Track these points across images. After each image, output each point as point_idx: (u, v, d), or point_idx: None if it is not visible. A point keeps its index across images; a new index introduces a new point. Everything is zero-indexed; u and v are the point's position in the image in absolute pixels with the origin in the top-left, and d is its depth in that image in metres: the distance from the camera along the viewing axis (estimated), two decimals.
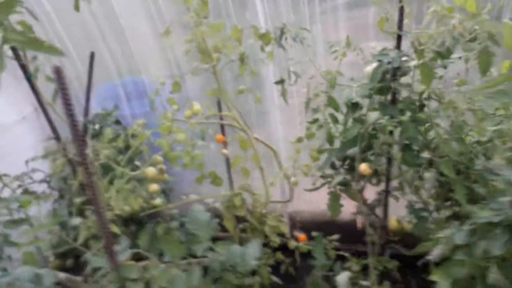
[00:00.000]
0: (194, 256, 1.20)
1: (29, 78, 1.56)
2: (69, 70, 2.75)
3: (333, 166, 2.10)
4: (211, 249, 1.21)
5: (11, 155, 2.67)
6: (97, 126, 2.15)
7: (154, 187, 1.65)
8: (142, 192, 1.70)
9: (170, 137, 1.61)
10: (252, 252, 1.23)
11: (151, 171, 1.59)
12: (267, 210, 1.95)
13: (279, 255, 2.28)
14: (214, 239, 2.74)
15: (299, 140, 2.29)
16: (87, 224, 1.67)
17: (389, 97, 1.82)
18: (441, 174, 1.59)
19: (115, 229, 1.74)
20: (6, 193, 2.32)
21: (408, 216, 2.00)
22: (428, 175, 1.65)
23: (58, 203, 2.31)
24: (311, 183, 2.28)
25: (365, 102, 1.95)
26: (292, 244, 2.17)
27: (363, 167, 1.79)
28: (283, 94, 2.14)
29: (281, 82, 2.12)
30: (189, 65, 2.55)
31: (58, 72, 0.91)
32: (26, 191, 2.43)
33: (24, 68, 1.55)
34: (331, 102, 2.05)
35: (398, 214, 2.19)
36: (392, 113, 1.75)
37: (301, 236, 2.00)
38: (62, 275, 1.62)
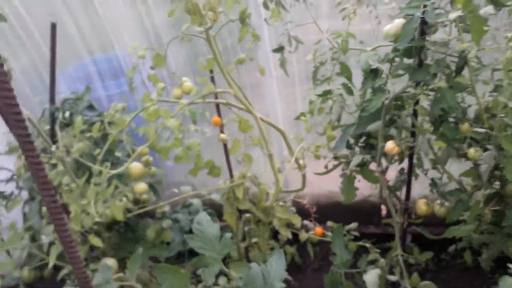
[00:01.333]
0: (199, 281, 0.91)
1: None
2: (31, 50, 2.36)
3: (348, 145, 1.81)
4: (223, 273, 0.91)
5: None
6: (67, 114, 1.80)
7: (141, 186, 1.33)
8: (127, 194, 1.38)
9: (157, 123, 1.28)
10: (277, 271, 0.94)
11: (136, 167, 1.27)
12: (277, 201, 1.66)
13: (289, 249, 2.01)
14: None
15: (302, 115, 1.99)
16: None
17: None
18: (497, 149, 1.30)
19: (95, 241, 1.43)
20: None
21: (441, 198, 1.73)
22: (473, 151, 1.36)
23: (29, 205, 1.97)
24: (316, 165, 2.00)
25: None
26: (303, 236, 1.89)
27: (391, 145, 1.50)
28: (283, 63, 1.82)
29: (280, 49, 1.79)
30: (171, 35, 2.21)
31: None
32: None
33: None
34: (344, 70, 1.74)
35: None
36: (423, 79, 1.44)
37: (318, 229, 1.72)
38: None
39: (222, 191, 1.83)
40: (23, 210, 2.10)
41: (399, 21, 1.55)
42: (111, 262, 1.61)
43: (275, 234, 2.01)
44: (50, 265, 1.37)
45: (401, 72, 1.59)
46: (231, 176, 1.81)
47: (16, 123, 0.64)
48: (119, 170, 1.23)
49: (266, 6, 1.33)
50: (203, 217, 0.94)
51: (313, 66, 1.84)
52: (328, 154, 1.91)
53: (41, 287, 2.38)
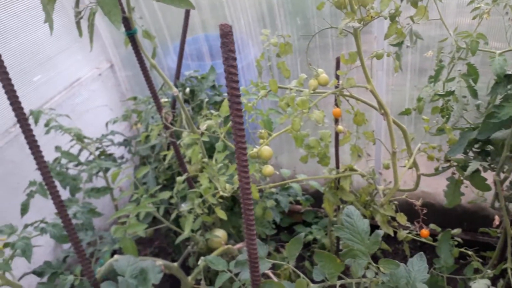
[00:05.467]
0: (344, 274, 0.95)
1: (132, 35, 1.30)
2: (146, 21, 2.49)
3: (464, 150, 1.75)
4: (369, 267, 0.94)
5: (87, 114, 2.51)
6: (187, 90, 1.89)
7: (269, 169, 1.39)
8: (255, 175, 1.45)
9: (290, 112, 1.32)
10: (418, 272, 0.96)
11: (267, 150, 1.32)
12: (392, 199, 1.66)
13: (383, 245, 2.01)
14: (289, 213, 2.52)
15: (408, 112, 1.95)
16: (196, 210, 1.45)
17: None
18: None
19: (221, 213, 1.52)
20: (83, 155, 2.16)
21: None
22: None
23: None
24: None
25: None
26: (401, 234, 1.88)
27: None
28: (398, 57, 1.79)
29: (399, 43, 1.76)
30: (286, 20, 2.23)
31: (226, 33, 0.63)
32: (103, 154, 2.27)
33: (127, 22, 1.29)
34: (472, 71, 1.68)
35: None
36: None
37: (425, 231, 1.71)
38: (159, 262, 1.43)
39: (325, 180, 1.86)
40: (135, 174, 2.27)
41: None
42: (221, 233, 1.71)
43: None
44: (186, 232, 1.48)
45: None
46: (337, 166, 1.84)
47: (236, 112, 0.70)
48: (254, 151, 1.30)
49: (414, 4, 1.31)
50: (353, 210, 0.98)
51: (435, 64, 1.79)
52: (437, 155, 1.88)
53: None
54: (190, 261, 1.72)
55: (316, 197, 2.34)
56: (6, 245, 1.35)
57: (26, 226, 1.52)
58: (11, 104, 1.07)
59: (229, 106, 0.71)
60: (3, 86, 1.05)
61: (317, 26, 2.19)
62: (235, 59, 0.67)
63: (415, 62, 2.26)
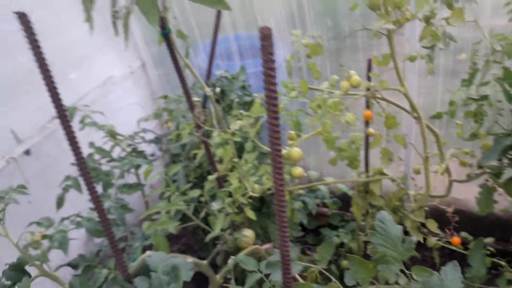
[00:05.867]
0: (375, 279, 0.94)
1: (167, 34, 1.33)
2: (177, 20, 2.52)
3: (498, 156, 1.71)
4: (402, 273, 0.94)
5: (119, 112, 2.57)
6: (217, 90, 1.91)
7: (298, 170, 1.40)
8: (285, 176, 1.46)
9: (322, 115, 1.32)
10: (452, 282, 0.94)
11: (297, 152, 1.32)
12: (423, 205, 1.64)
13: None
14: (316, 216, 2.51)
15: (439, 115, 1.92)
16: (227, 209, 1.47)
17: None
18: None
19: (250, 213, 1.54)
20: (115, 152, 2.21)
21: None
22: None
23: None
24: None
25: None
26: (431, 241, 1.85)
27: None
28: (431, 59, 1.76)
29: (432, 46, 1.73)
30: (317, 23, 2.23)
31: (266, 36, 0.64)
32: (135, 151, 2.32)
33: (162, 21, 1.32)
34: (508, 75, 1.64)
35: None
36: None
37: (456, 239, 1.68)
38: (190, 259, 1.45)
39: (353, 183, 1.85)
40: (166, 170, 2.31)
41: None
42: (249, 233, 1.73)
43: None
44: (216, 230, 1.51)
45: None
46: (367, 170, 1.82)
47: (273, 114, 0.71)
48: (284, 152, 1.30)
49: (449, 6, 1.29)
50: (386, 216, 0.97)
51: (469, 67, 1.76)
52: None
53: None
54: (218, 260, 1.74)
55: (343, 200, 2.32)
56: (44, 237, 1.40)
57: (62, 219, 1.58)
58: (52, 101, 1.12)
59: (266, 108, 0.72)
60: (46, 84, 1.09)
61: (348, 27, 2.18)
62: (274, 61, 0.68)
63: (447, 64, 2.22)
